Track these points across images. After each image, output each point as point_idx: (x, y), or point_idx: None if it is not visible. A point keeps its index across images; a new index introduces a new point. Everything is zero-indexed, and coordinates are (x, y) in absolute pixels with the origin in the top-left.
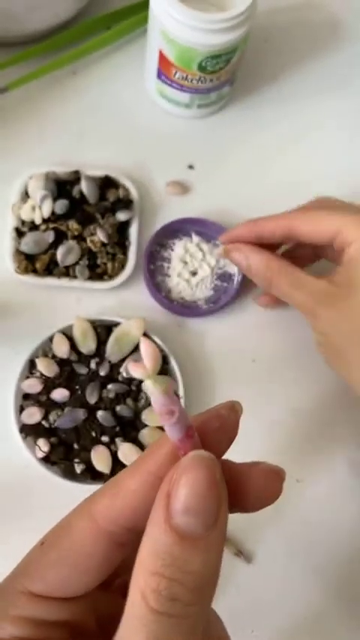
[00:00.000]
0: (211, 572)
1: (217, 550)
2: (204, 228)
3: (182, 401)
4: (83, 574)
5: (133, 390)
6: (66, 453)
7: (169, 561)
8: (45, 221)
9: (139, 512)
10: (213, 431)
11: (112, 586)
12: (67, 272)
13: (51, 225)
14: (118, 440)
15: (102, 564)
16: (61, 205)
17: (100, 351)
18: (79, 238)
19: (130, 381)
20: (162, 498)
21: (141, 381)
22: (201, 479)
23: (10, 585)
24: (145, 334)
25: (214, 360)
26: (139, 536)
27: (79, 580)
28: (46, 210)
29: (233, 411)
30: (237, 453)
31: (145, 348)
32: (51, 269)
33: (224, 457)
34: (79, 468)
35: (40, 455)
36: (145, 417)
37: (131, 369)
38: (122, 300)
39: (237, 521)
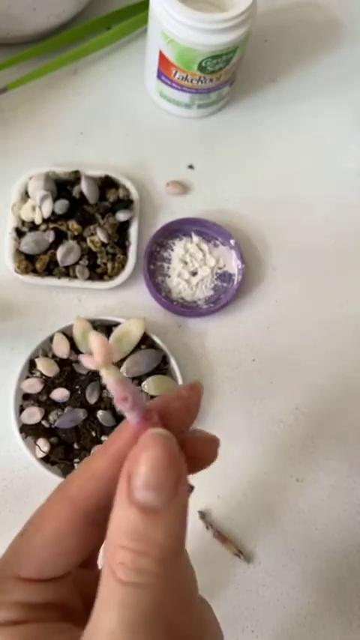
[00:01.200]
0: (175, 543)
1: (179, 521)
2: (204, 228)
3: None
4: (66, 554)
5: None
6: (66, 452)
7: (133, 535)
8: (45, 221)
9: (110, 491)
10: (175, 411)
11: (96, 565)
12: (67, 272)
13: (51, 225)
14: None
15: (82, 543)
16: (61, 205)
17: None
18: (79, 238)
19: (130, 380)
20: (124, 477)
21: (141, 381)
22: (158, 455)
23: None
24: (95, 328)
25: (214, 360)
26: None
27: (63, 560)
28: (46, 210)
29: (194, 390)
30: (237, 452)
31: (93, 340)
32: (51, 269)
33: None
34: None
35: (40, 455)
36: None
37: (83, 361)
38: (122, 300)
39: (237, 522)
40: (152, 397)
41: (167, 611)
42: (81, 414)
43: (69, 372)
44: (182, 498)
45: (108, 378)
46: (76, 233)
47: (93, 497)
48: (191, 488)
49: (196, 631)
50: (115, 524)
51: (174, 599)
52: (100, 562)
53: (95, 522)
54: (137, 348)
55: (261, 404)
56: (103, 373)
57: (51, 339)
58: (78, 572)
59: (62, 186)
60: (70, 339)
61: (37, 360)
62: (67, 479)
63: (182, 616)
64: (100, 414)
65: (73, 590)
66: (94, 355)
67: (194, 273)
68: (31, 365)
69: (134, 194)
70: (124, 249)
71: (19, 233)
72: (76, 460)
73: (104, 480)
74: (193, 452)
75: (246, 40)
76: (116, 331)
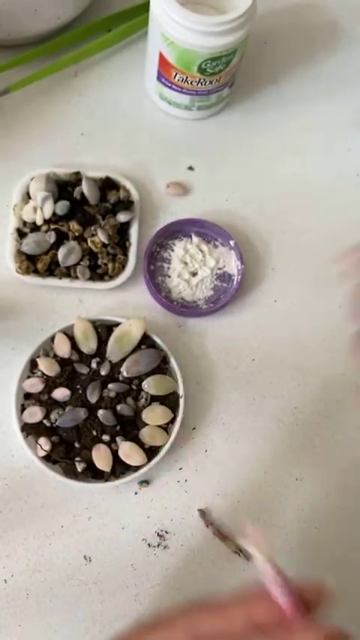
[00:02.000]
0: None
1: None
2: (204, 229)
3: (182, 400)
4: None
5: (133, 389)
6: (67, 451)
7: None
8: (46, 222)
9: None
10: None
11: None
12: (68, 272)
13: (52, 226)
14: (118, 439)
15: None
16: (62, 206)
17: (100, 351)
18: (80, 239)
19: (130, 380)
20: None
21: (141, 381)
22: None
23: None
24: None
25: (214, 360)
26: None
27: None
28: (47, 211)
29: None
30: (237, 452)
31: (254, 536)
32: (52, 269)
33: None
34: (80, 467)
35: (42, 454)
36: (146, 415)
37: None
38: (123, 301)
39: (237, 520)
40: (152, 397)
41: None
42: (82, 413)
43: (70, 372)
44: None
45: (267, 566)
46: (77, 234)
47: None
48: None
49: None
50: None
51: None
52: None
53: None
54: (137, 347)
55: (261, 404)
56: (262, 564)
57: (52, 338)
58: None
59: (63, 187)
60: (71, 338)
61: (38, 359)
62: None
63: None
64: (100, 413)
65: None
66: (253, 550)
67: (194, 274)
68: (33, 365)
69: (135, 195)
70: (125, 250)
71: (21, 234)
72: (77, 459)
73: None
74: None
75: (245, 42)
76: (117, 331)
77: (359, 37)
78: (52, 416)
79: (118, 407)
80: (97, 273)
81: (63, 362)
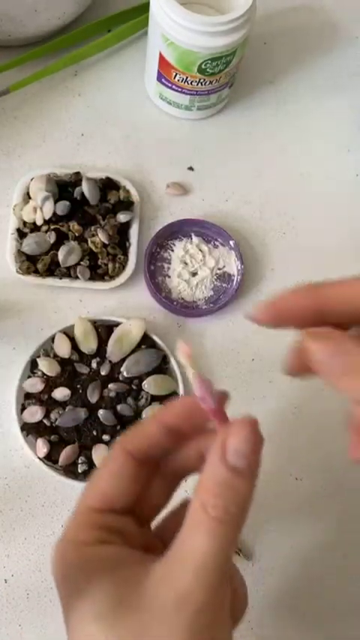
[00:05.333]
0: (251, 495)
1: (254, 479)
2: (204, 230)
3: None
4: (124, 489)
5: (133, 389)
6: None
7: (225, 487)
8: (46, 222)
9: (153, 444)
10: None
11: (148, 525)
12: (69, 273)
13: (52, 227)
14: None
15: (134, 481)
16: (63, 206)
17: (101, 351)
18: (80, 239)
19: (130, 380)
20: (220, 446)
21: (141, 381)
22: (250, 434)
23: (81, 506)
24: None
25: (214, 360)
26: (154, 459)
27: (123, 494)
28: (48, 211)
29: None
30: None
31: (181, 348)
32: (52, 270)
33: None
34: (80, 467)
35: (42, 453)
36: (146, 415)
37: (180, 354)
38: (123, 301)
39: None
40: (152, 397)
41: (236, 542)
42: (82, 413)
43: (70, 372)
44: (259, 465)
45: (194, 374)
46: (77, 234)
47: (143, 449)
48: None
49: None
50: (209, 478)
51: (237, 538)
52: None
53: (142, 467)
54: (138, 347)
55: (261, 404)
56: (190, 372)
57: (52, 338)
58: (134, 525)
59: (63, 187)
60: (72, 339)
61: (38, 359)
62: (123, 435)
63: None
64: (101, 413)
65: (135, 530)
66: (180, 359)
67: (194, 274)
68: (33, 364)
69: (135, 195)
70: (125, 250)
71: (21, 234)
72: (80, 459)
73: (153, 439)
74: None
75: (245, 42)
76: (117, 331)
77: (358, 37)
78: (52, 415)
79: (119, 407)
80: (98, 274)
81: (63, 362)
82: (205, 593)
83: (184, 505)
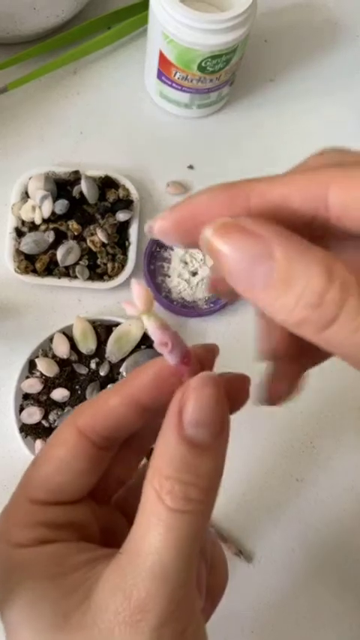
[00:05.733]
0: (218, 475)
1: (223, 455)
2: None
3: None
4: (76, 478)
5: None
6: None
7: (182, 467)
8: (45, 221)
9: (118, 425)
10: (202, 358)
11: (110, 501)
12: (67, 272)
13: (51, 226)
14: None
15: (91, 468)
16: (61, 205)
17: (100, 351)
18: (79, 238)
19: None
20: (173, 414)
21: None
22: (209, 395)
23: (18, 499)
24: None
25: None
26: (117, 442)
27: (74, 483)
28: (46, 210)
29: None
30: (237, 452)
31: (135, 288)
32: (51, 269)
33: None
34: None
35: None
36: None
37: (125, 308)
38: (122, 301)
39: (237, 521)
40: None
41: (203, 534)
42: None
43: (69, 372)
44: (227, 435)
45: (149, 323)
46: (76, 233)
47: (101, 429)
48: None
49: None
50: (162, 457)
51: (207, 525)
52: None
53: (102, 449)
54: (137, 347)
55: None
56: (144, 319)
57: (51, 339)
58: (93, 504)
59: (62, 186)
60: (70, 339)
61: (37, 360)
62: (76, 411)
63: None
64: None
65: (90, 516)
66: (136, 302)
67: (194, 274)
68: (31, 365)
69: (134, 194)
70: (124, 250)
71: (19, 233)
72: None
73: (114, 416)
74: (227, 393)
75: (246, 40)
76: (116, 331)
77: (359, 35)
78: (51, 416)
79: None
80: (97, 273)
81: (62, 362)
82: (167, 600)
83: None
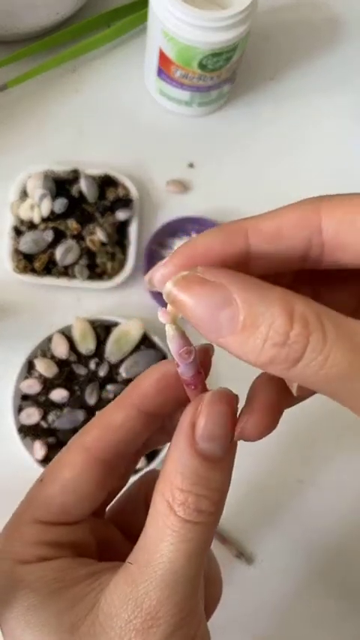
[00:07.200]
0: (227, 487)
1: (231, 469)
2: (204, 227)
3: None
4: (82, 500)
5: None
6: None
7: (195, 480)
8: (44, 220)
9: (126, 439)
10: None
11: (104, 514)
12: (66, 272)
13: (50, 225)
14: None
15: (98, 489)
16: (60, 204)
17: (99, 352)
18: (79, 237)
19: (129, 381)
20: (186, 427)
21: None
22: (222, 412)
23: (21, 518)
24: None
25: (214, 361)
26: (126, 458)
27: (80, 506)
28: (45, 209)
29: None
30: (238, 453)
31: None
32: (50, 268)
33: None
34: None
35: (39, 456)
36: None
37: (160, 315)
38: (122, 300)
39: (238, 523)
40: None
41: (210, 544)
42: (80, 415)
43: (68, 373)
44: (235, 450)
45: (177, 331)
46: (75, 232)
47: (110, 446)
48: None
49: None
50: (175, 469)
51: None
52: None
53: (111, 468)
54: (137, 348)
55: None
56: (172, 327)
57: (50, 339)
58: (89, 517)
59: (61, 184)
60: (70, 339)
61: (35, 360)
62: (82, 430)
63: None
64: None
65: (88, 534)
66: (169, 308)
67: None
68: (30, 365)
69: (134, 193)
70: (124, 249)
71: (18, 232)
72: None
73: (122, 431)
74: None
75: (246, 38)
76: (116, 331)
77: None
78: (50, 417)
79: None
80: (96, 273)
81: (61, 363)
82: (178, 608)
83: (143, 482)
